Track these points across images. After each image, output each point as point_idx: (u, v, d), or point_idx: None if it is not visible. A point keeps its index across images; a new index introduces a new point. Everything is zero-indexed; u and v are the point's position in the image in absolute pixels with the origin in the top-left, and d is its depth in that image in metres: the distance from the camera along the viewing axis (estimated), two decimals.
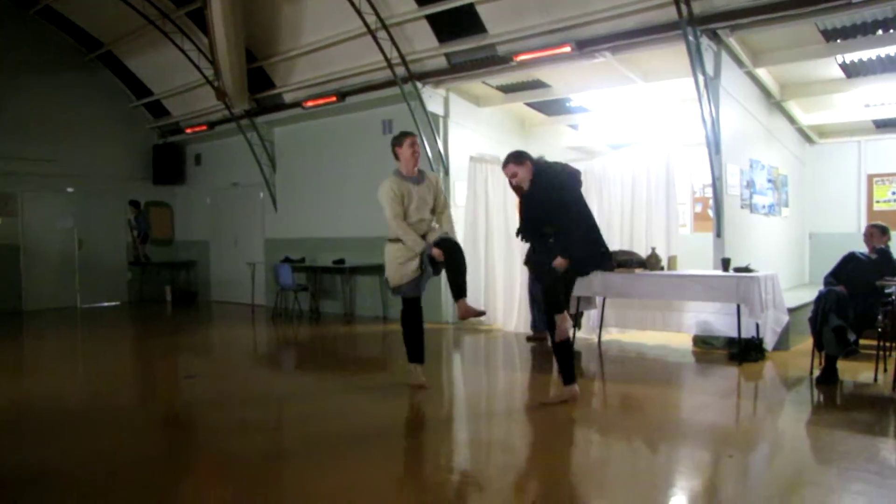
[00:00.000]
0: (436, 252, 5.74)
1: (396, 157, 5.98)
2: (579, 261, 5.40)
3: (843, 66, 9.32)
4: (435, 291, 9.94)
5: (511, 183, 5.56)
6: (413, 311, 6.11)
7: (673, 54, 8.38)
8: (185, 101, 13.99)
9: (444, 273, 5.98)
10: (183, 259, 15.52)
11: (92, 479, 4.04)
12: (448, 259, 5.76)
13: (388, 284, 6.07)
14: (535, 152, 11.93)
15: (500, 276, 9.92)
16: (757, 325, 7.28)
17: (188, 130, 14.49)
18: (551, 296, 5.46)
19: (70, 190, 14.01)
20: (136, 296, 14.88)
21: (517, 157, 5.49)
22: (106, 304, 14.36)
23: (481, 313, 6.07)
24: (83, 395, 6.46)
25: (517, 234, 5.72)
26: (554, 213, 5.32)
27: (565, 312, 5.47)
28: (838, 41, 8.33)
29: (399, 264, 5.83)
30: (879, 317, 6.16)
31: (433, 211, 5.99)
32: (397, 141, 5.97)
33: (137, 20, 11.91)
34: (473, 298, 9.98)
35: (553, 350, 5.60)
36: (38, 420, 5.44)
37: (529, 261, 5.82)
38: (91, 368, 8.21)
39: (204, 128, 14.08)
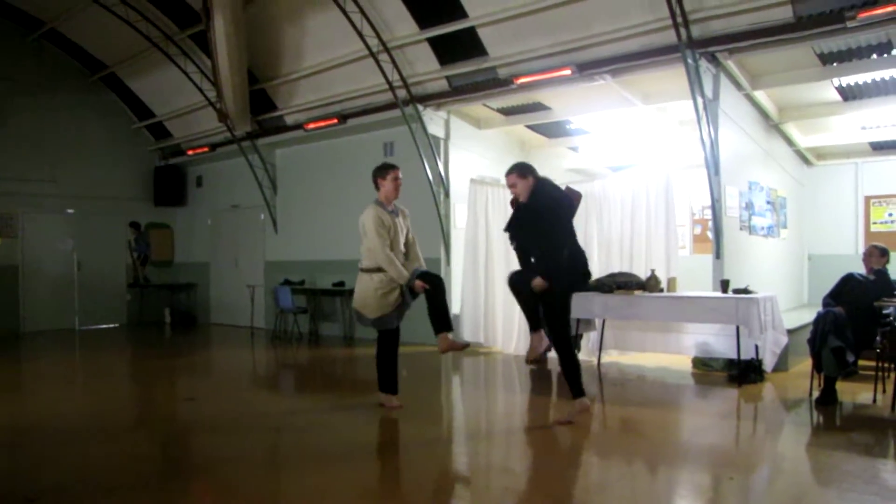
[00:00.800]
0: (419, 284, 5.78)
1: (377, 186, 5.99)
2: (562, 285, 5.48)
3: (840, 90, 9.41)
4: None
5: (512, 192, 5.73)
6: (393, 342, 6.08)
7: (672, 77, 8.46)
8: (186, 122, 14.08)
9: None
10: (183, 281, 15.50)
11: (89, 499, 4.02)
12: (432, 291, 5.81)
13: (364, 316, 5.94)
14: None
15: (499, 299, 9.91)
16: (756, 347, 7.28)
17: (189, 152, 14.56)
18: (529, 312, 5.68)
19: (70, 211, 14.05)
20: (136, 318, 14.84)
21: (521, 170, 5.62)
22: (105, 326, 14.33)
23: (465, 345, 6.18)
24: (81, 417, 6.41)
25: (505, 229, 5.91)
26: (536, 235, 5.48)
27: (541, 331, 5.63)
28: (834, 65, 8.42)
29: (381, 295, 5.80)
30: (878, 338, 6.17)
31: (404, 243, 6.05)
32: (381, 173, 5.98)
33: (141, 42, 12.03)
34: (472, 321, 10.04)
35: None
36: (35, 440, 5.41)
37: (512, 280, 5.89)
38: (89, 390, 8.17)
39: (205, 149, 14.14)
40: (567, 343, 5.55)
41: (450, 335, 5.85)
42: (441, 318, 5.82)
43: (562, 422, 5.60)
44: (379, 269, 5.77)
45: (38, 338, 12.58)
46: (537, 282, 5.35)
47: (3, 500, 4.01)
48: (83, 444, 5.29)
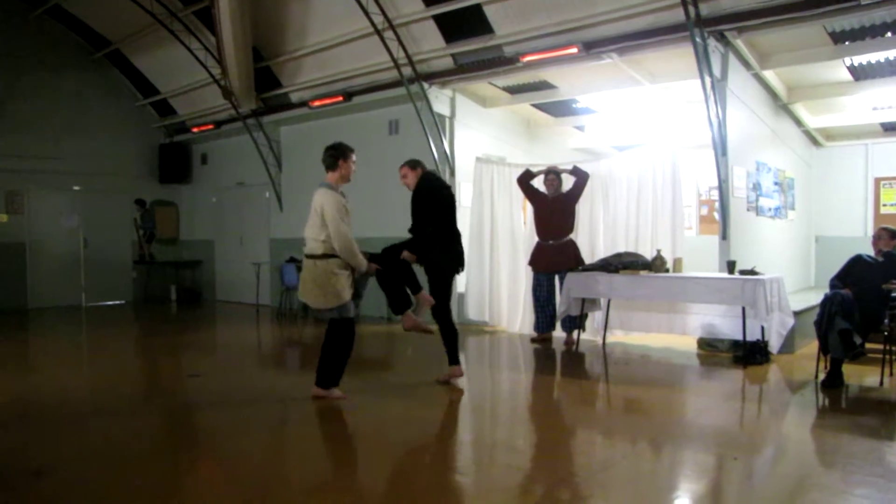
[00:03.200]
0: (372, 266, 5.73)
1: (335, 168, 5.56)
2: (430, 261, 6.16)
3: (851, 69, 9.29)
4: None
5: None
6: (352, 331, 5.68)
7: (680, 56, 8.37)
8: (191, 100, 14.02)
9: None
10: (188, 258, 15.54)
11: (94, 475, 4.04)
12: (384, 272, 5.90)
13: (327, 306, 5.49)
14: (541, 153, 11.92)
15: (504, 278, 9.90)
16: (762, 328, 7.26)
17: (194, 129, 14.52)
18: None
19: (76, 188, 14.05)
20: (141, 295, 14.89)
21: (412, 164, 6.31)
22: (111, 302, 14.39)
23: (429, 331, 6.23)
24: (87, 393, 6.45)
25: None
26: (413, 216, 6.22)
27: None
28: (846, 43, 8.31)
29: (344, 279, 5.47)
30: (885, 320, 6.13)
31: None
32: (343, 154, 5.58)
33: (145, 19, 11.94)
34: (478, 299, 10.03)
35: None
36: (41, 416, 5.45)
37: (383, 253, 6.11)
38: (95, 366, 8.21)
39: (210, 127, 14.10)
40: (445, 315, 6.21)
41: (412, 313, 6.04)
42: (398, 298, 6.02)
43: (441, 380, 6.35)
44: (333, 255, 5.45)
45: (45, 314, 12.63)
46: (405, 253, 6.02)
47: (11, 473, 4.04)
48: (89, 419, 5.32)
